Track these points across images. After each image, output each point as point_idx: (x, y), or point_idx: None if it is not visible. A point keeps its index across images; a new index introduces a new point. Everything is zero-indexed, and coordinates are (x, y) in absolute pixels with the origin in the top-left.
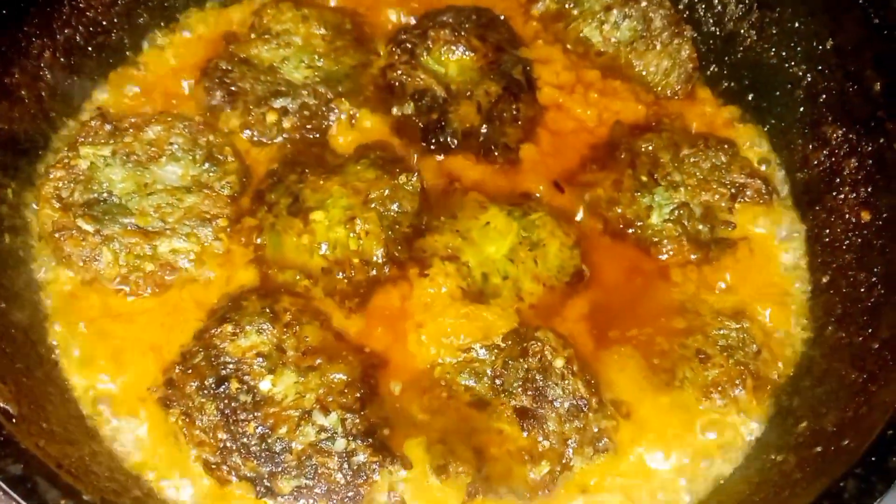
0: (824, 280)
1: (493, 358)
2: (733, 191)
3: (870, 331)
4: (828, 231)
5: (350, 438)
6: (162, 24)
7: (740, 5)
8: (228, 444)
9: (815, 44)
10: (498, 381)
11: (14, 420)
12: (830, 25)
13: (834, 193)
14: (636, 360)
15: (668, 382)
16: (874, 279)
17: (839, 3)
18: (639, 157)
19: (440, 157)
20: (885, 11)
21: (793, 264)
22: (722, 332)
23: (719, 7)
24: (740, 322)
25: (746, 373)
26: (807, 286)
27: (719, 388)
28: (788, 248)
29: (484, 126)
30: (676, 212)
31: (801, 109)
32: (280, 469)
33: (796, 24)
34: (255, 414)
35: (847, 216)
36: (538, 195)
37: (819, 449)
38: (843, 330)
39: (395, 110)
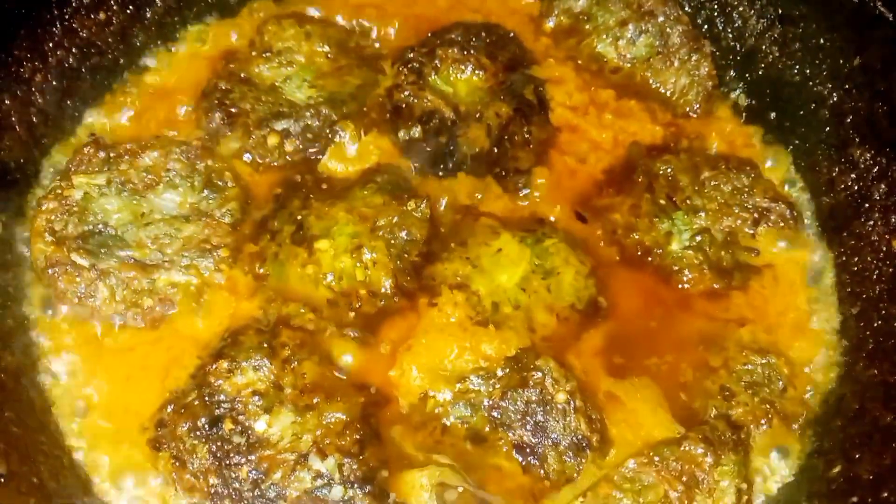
0: (854, 312)
1: (491, 389)
2: (756, 215)
3: None
4: (857, 259)
5: (347, 485)
6: (159, 42)
7: (761, 20)
8: (220, 490)
9: (840, 61)
10: (496, 413)
11: (2, 479)
12: (857, 42)
13: (862, 220)
14: (655, 395)
15: (689, 419)
16: None
17: (865, 19)
18: (657, 179)
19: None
20: None
21: (820, 294)
22: (747, 367)
23: (739, 22)
24: (766, 356)
25: (772, 411)
26: (835, 318)
27: (744, 429)
28: (815, 277)
29: (494, 149)
30: (697, 238)
31: (827, 130)
32: None
33: (821, 41)
34: (249, 457)
35: (877, 244)
36: (553, 220)
37: (855, 499)
38: (876, 367)
39: (401, 134)
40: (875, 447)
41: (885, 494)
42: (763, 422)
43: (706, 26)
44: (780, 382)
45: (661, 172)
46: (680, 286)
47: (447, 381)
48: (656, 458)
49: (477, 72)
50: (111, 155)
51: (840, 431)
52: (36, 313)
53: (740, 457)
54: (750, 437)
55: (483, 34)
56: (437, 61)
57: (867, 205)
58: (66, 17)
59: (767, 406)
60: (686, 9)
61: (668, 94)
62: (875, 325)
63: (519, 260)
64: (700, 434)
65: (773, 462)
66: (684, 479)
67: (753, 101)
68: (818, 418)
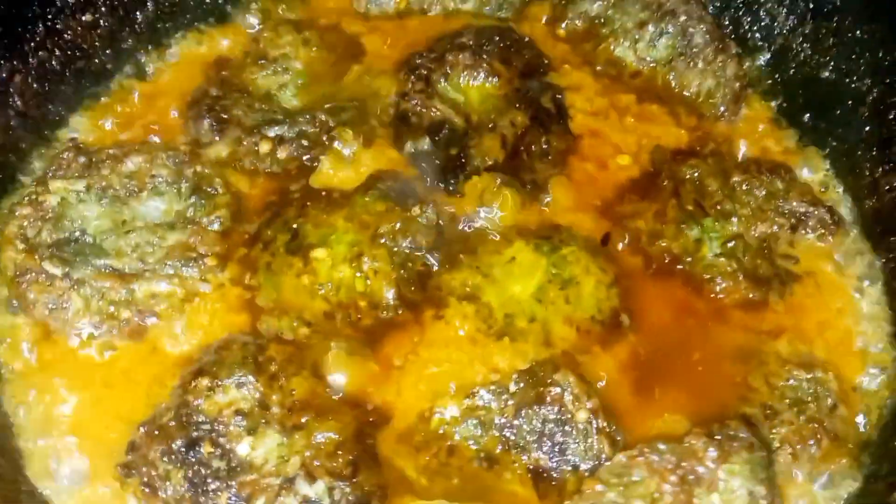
0: None
1: (503, 405)
2: (794, 221)
3: None
4: None
5: None
6: (149, 47)
7: (791, 16)
8: None
9: (881, 54)
10: (509, 433)
11: None
12: None
13: None
14: (688, 414)
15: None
16: None
17: None
18: (683, 185)
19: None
20: None
21: (869, 304)
22: (791, 382)
23: (767, 20)
24: (811, 371)
25: (821, 431)
26: (887, 329)
27: (789, 452)
28: (862, 285)
29: (510, 160)
30: (730, 244)
31: (867, 129)
32: None
33: (857, 34)
34: (230, 483)
35: None
36: (570, 227)
37: None
38: None
39: (408, 146)
40: None
41: None
42: (811, 442)
43: (732, 26)
44: (829, 400)
45: (687, 177)
46: (712, 296)
47: (453, 397)
48: (647, 451)
49: (490, 78)
50: (92, 160)
51: None
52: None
53: (757, 457)
54: (786, 448)
55: (496, 38)
56: (447, 67)
57: None
58: (50, 16)
59: (815, 425)
60: (709, 9)
61: (693, 96)
62: None
63: (534, 269)
64: (706, 429)
65: (825, 486)
66: (680, 472)
67: (785, 103)
68: (874, 439)
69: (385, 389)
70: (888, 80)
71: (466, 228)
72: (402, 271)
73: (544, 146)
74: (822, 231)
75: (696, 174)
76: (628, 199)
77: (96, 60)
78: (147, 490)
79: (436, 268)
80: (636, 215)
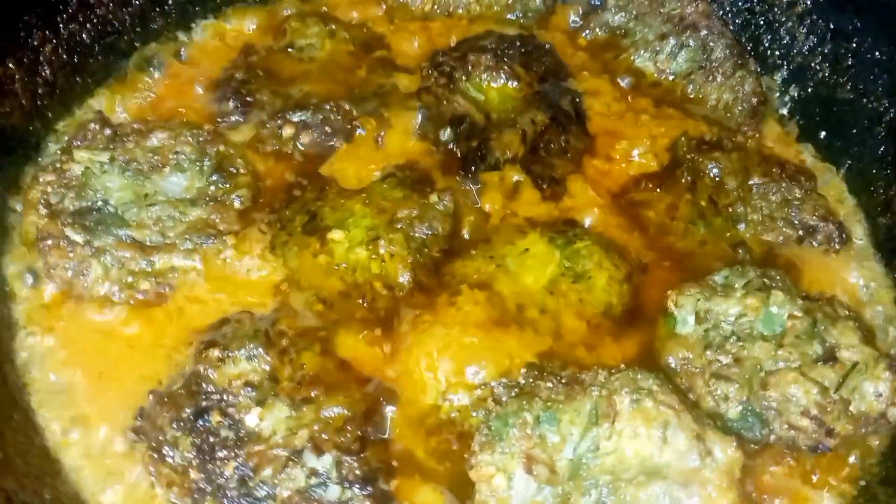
0: None
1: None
2: (801, 233)
3: None
4: None
5: (345, 486)
6: (177, 29)
7: (811, 36)
8: (202, 486)
9: None
10: None
11: None
12: None
13: None
14: None
15: None
16: None
17: None
18: (702, 179)
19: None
20: None
21: (879, 320)
22: None
23: (787, 39)
24: None
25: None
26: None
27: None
28: (872, 302)
29: (529, 156)
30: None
31: (883, 148)
32: None
33: (877, 55)
34: (237, 452)
35: None
36: (588, 223)
37: None
38: None
39: (429, 136)
40: None
41: None
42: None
43: (751, 44)
44: None
45: (707, 172)
46: None
47: (466, 385)
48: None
49: (511, 81)
50: (117, 133)
51: None
52: (19, 287)
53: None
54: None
55: (518, 44)
56: (469, 66)
57: None
58: None
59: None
60: (730, 26)
61: (712, 110)
62: None
63: (547, 261)
64: None
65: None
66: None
67: (802, 121)
68: (885, 450)
69: (395, 370)
70: None
71: (482, 218)
72: (417, 256)
73: (563, 144)
74: (828, 246)
75: (716, 170)
76: (644, 188)
77: (126, 37)
78: (155, 455)
79: (450, 255)
80: (649, 205)
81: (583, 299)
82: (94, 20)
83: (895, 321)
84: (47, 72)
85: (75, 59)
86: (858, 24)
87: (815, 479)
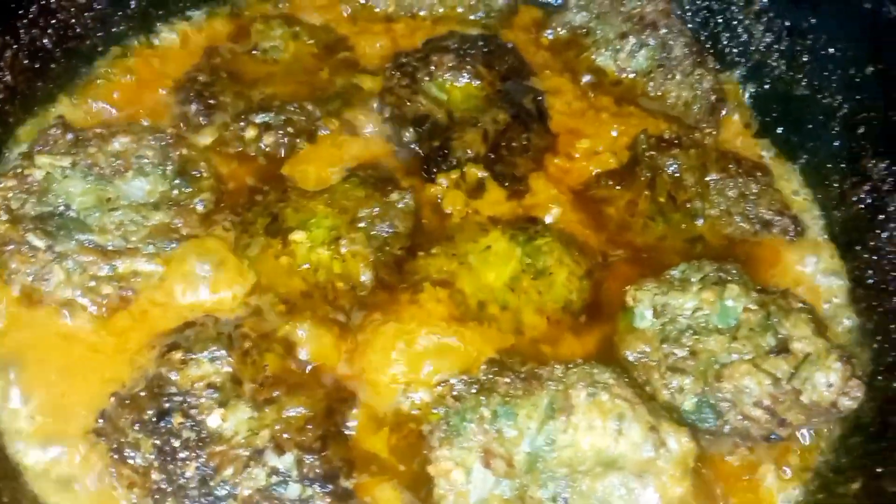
0: (869, 326)
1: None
2: (758, 227)
3: None
4: (871, 272)
5: (306, 484)
6: (140, 33)
7: (768, 34)
8: (163, 487)
9: (852, 71)
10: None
11: None
12: (871, 50)
13: (877, 231)
14: None
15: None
16: None
17: (880, 26)
18: (660, 175)
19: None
20: None
21: (833, 312)
22: None
23: (745, 36)
24: None
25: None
26: (851, 334)
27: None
28: (826, 294)
29: (491, 155)
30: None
31: (837, 143)
32: None
33: (831, 51)
34: (198, 452)
35: (894, 256)
36: (549, 220)
37: None
38: None
39: (392, 136)
40: None
41: None
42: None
43: (710, 42)
44: None
45: (666, 169)
46: None
47: (426, 382)
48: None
49: (473, 80)
50: (79, 138)
51: (859, 448)
52: None
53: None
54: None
55: (480, 44)
56: (431, 66)
57: (882, 216)
58: None
59: None
60: (689, 25)
61: (671, 108)
62: (894, 337)
63: (508, 258)
64: None
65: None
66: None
67: (760, 117)
68: (838, 438)
69: (357, 369)
70: (858, 97)
71: (445, 215)
72: (379, 254)
73: (524, 142)
74: (783, 239)
75: (675, 166)
76: (604, 185)
77: (87, 42)
78: (116, 457)
79: (412, 253)
80: (609, 201)
81: (543, 295)
82: (56, 25)
83: (849, 313)
84: (8, 77)
85: (37, 65)
86: (814, 21)
87: (769, 467)
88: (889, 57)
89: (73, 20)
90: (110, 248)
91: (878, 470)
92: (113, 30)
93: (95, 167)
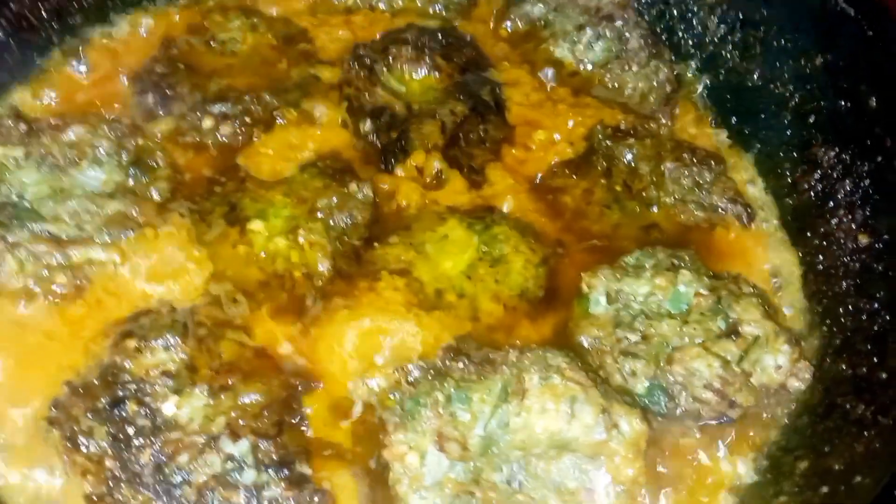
0: (819, 310)
1: (429, 378)
2: (711, 214)
3: (875, 360)
4: (821, 258)
5: (261, 469)
6: (96, 24)
7: (722, 25)
8: (117, 474)
9: (803, 62)
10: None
11: None
12: (820, 41)
13: (827, 217)
14: None
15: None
16: (877, 305)
17: (829, 18)
18: (616, 165)
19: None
20: (880, 23)
21: (783, 296)
22: None
23: (699, 28)
24: None
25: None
26: (802, 318)
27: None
28: (777, 278)
29: (449, 146)
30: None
31: (789, 132)
32: None
33: (782, 42)
34: (153, 439)
35: (843, 241)
36: (506, 209)
37: (826, 489)
38: (845, 362)
39: (350, 127)
40: (847, 438)
41: (859, 479)
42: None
43: (666, 34)
44: None
45: (622, 158)
46: None
47: (381, 368)
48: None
49: (432, 72)
50: (33, 128)
51: (807, 429)
52: None
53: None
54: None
55: (439, 36)
56: (389, 58)
57: (832, 203)
58: None
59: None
60: (645, 17)
61: (627, 98)
62: (843, 320)
63: (465, 247)
64: None
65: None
66: None
67: (715, 107)
68: (788, 419)
69: (314, 356)
70: (808, 87)
71: (402, 206)
72: (337, 244)
73: (482, 134)
74: (736, 226)
75: (630, 155)
76: (561, 174)
77: (43, 33)
78: (69, 445)
79: (370, 242)
80: (565, 191)
81: (500, 283)
82: (9, 15)
83: (800, 297)
84: None
85: None
86: (765, 14)
87: (720, 448)
88: (837, 48)
89: (27, 11)
90: (64, 237)
91: (826, 449)
92: (69, 20)
93: (49, 157)
